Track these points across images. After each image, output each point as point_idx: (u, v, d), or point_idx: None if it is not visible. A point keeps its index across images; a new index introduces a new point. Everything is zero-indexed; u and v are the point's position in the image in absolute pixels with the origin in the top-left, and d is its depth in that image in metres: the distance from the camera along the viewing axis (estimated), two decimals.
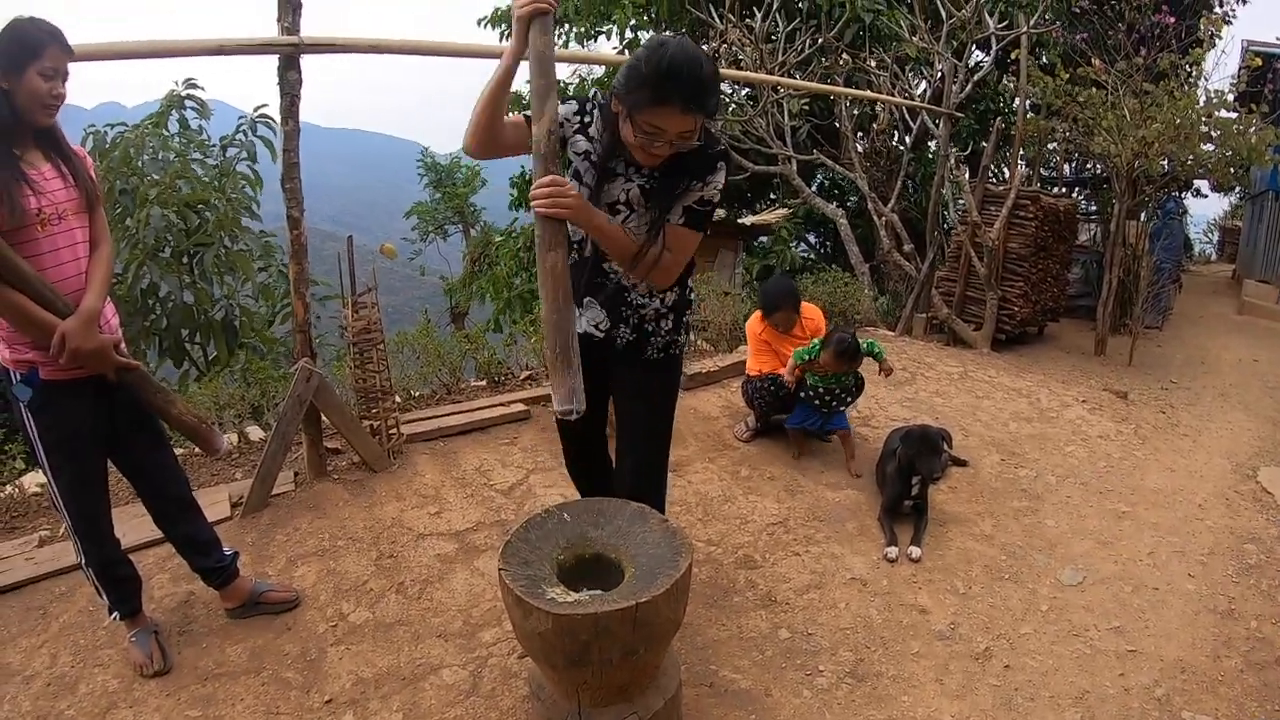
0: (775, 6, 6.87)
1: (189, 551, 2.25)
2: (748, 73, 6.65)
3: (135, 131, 5.65)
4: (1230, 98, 6.15)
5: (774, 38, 6.96)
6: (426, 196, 18.20)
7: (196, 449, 2.72)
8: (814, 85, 6.33)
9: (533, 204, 1.65)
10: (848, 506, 3.15)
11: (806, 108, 7.76)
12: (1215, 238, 16.02)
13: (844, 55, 7.38)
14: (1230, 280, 11.25)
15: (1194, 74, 6.49)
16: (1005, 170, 7.50)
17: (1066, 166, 9.73)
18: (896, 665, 2.27)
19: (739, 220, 9.51)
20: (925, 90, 7.72)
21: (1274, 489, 3.68)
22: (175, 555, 2.33)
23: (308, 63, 2.58)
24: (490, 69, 1.77)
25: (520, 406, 3.69)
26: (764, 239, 9.54)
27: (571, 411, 1.66)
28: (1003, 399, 4.61)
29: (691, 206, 1.79)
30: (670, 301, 1.97)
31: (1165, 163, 6.09)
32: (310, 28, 2.53)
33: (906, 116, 7.48)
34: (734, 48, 6.86)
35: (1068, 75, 6.48)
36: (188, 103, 5.98)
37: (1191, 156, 6.15)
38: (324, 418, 2.94)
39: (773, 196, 10.27)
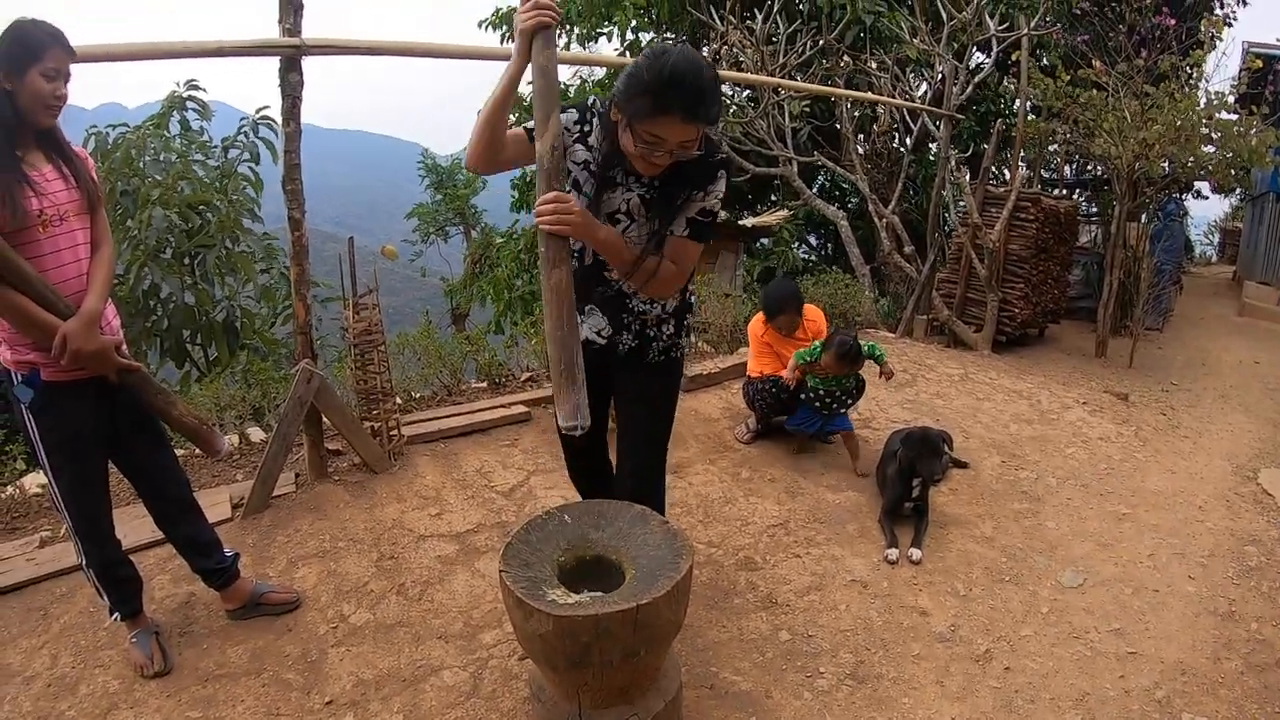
0: (776, 8, 6.88)
1: (190, 552, 2.26)
2: (748, 74, 6.65)
3: (137, 132, 5.65)
4: (1231, 99, 6.15)
5: (775, 39, 6.97)
6: (427, 198, 18.24)
7: (197, 450, 2.73)
8: (815, 87, 6.33)
9: (537, 221, 1.65)
10: (848, 508, 3.15)
11: (807, 109, 7.77)
12: (1216, 239, 16.04)
13: (845, 57, 7.38)
14: (1231, 282, 11.24)
15: (1195, 76, 6.49)
16: (1006, 172, 7.49)
17: (1067, 168, 9.73)
18: (897, 667, 2.27)
19: (740, 222, 9.49)
20: (926, 92, 7.72)
21: (1275, 491, 3.68)
22: (176, 556, 2.33)
23: (309, 64, 2.59)
24: (491, 70, 1.77)
25: (521, 408, 3.69)
26: (765, 241, 9.53)
27: (576, 428, 1.67)
28: (1003, 401, 4.61)
29: (695, 218, 1.78)
30: (671, 307, 1.97)
31: (1166, 164, 6.09)
32: (311, 29, 2.54)
33: (907, 118, 7.49)
34: (735, 49, 6.88)
35: (1068, 77, 6.47)
36: (189, 104, 5.98)
37: (1192, 158, 6.15)
38: (325, 419, 2.95)
39: (774, 198, 10.26)
